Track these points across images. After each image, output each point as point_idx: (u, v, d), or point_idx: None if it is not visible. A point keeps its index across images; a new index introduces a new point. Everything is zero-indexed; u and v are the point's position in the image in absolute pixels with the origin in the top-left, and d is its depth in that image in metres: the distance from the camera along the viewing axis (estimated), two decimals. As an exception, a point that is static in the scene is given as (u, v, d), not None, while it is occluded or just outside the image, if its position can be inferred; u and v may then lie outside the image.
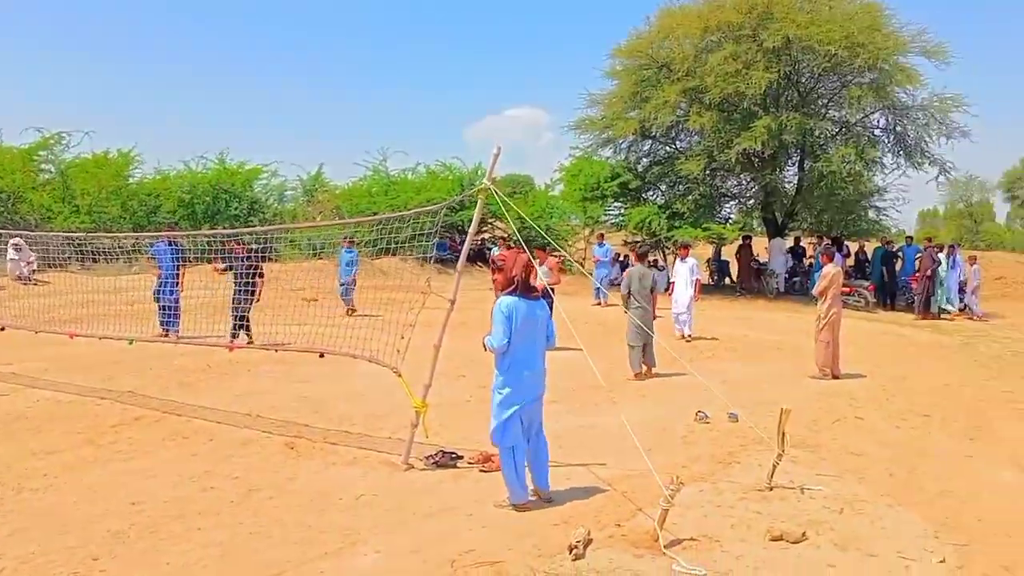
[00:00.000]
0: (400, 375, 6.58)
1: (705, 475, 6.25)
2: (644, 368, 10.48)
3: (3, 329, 10.86)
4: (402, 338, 6.62)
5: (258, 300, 11.79)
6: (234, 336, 11.63)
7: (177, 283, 12.33)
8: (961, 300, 19.25)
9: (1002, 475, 6.50)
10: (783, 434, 5.85)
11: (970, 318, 18.82)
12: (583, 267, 18.88)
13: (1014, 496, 5.95)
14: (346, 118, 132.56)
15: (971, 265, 19.22)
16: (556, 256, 15.67)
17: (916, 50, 21.32)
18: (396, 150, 56.40)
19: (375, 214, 22.26)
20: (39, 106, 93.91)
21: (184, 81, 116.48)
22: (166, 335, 11.77)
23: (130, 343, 9.55)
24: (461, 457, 6.40)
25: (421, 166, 30.02)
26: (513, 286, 5.34)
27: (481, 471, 6.16)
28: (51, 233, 17.82)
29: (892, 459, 6.89)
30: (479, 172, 27.85)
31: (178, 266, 12.34)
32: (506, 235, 22.47)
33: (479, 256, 26.77)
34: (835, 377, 10.61)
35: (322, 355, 7.82)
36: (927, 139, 22.63)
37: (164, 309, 12.04)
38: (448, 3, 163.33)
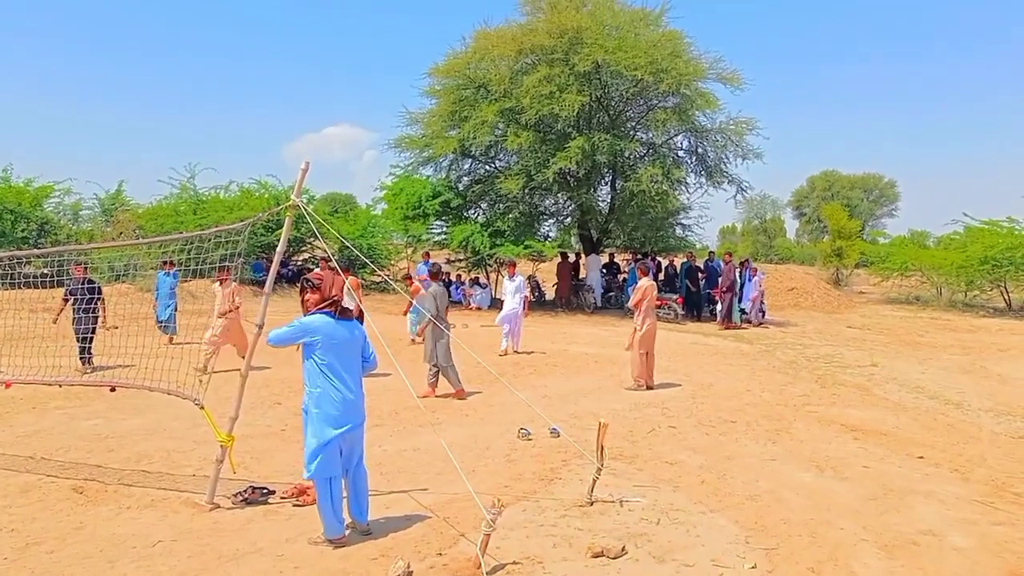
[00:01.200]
0: (203, 407, 6.10)
1: (528, 493, 6.24)
2: (430, 389, 10.31)
3: None
4: (204, 368, 6.16)
5: (104, 324, 11.50)
6: (84, 361, 11.21)
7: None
8: (745, 312, 20.71)
9: (802, 476, 6.92)
10: (602, 448, 5.94)
11: (756, 325, 20.29)
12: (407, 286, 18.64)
13: (814, 496, 6.34)
14: (154, 136, 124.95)
15: (758, 278, 20.75)
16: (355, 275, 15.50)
17: (713, 76, 22.88)
18: (205, 167, 53.77)
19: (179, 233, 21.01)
20: None
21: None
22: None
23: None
24: (273, 492, 6.01)
25: (234, 184, 28.65)
26: (326, 305, 5.08)
27: (295, 506, 5.83)
28: None
29: (703, 466, 7.18)
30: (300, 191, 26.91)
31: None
32: (327, 255, 21.87)
33: (299, 278, 25.83)
34: (649, 387, 11.02)
35: (113, 389, 7.15)
36: (725, 160, 24.30)
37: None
38: (264, 20, 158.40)
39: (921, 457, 7.75)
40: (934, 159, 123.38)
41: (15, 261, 9.39)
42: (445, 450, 6.01)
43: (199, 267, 7.36)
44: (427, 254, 20.43)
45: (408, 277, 11.12)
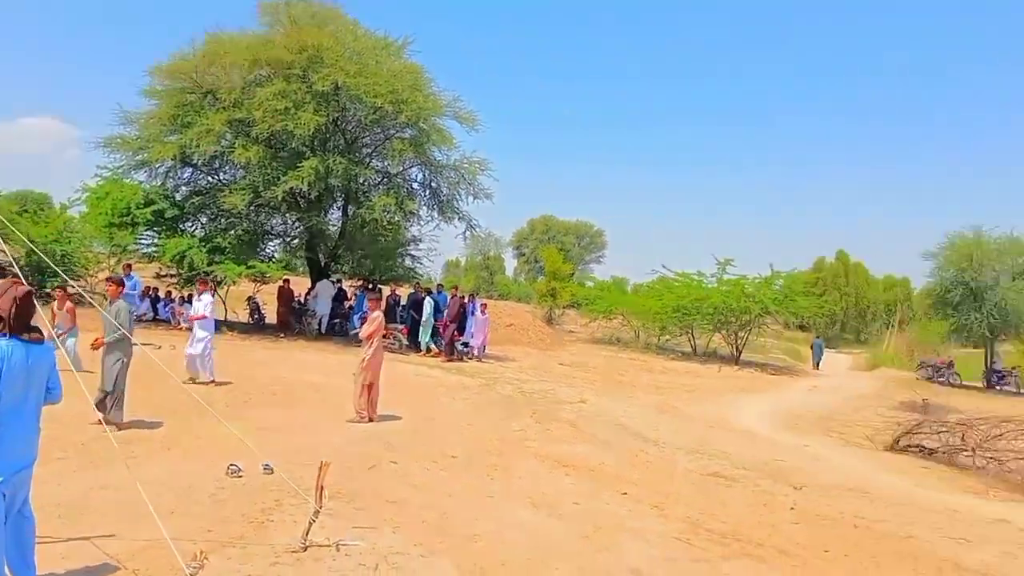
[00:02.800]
0: None
1: (235, 539, 5.66)
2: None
3: None
4: None
5: None
6: None
7: None
8: (468, 346, 21.23)
9: (520, 514, 7.00)
10: (321, 488, 5.55)
11: (478, 360, 20.85)
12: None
13: (532, 535, 6.41)
14: None
15: (482, 313, 21.41)
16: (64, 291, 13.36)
17: (451, 114, 23.40)
18: None
19: None
20: None
21: None
22: None
23: None
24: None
25: None
26: (1, 325, 4.20)
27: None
28: None
29: (424, 504, 7.02)
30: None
31: None
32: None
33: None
34: (371, 420, 10.72)
35: None
36: (458, 196, 24.82)
37: None
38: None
39: (625, 493, 8.20)
40: (636, 212, 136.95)
41: None
42: (139, 489, 5.26)
43: None
44: (128, 266, 18.43)
45: (110, 279, 9.64)
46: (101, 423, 7.97)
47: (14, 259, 21.82)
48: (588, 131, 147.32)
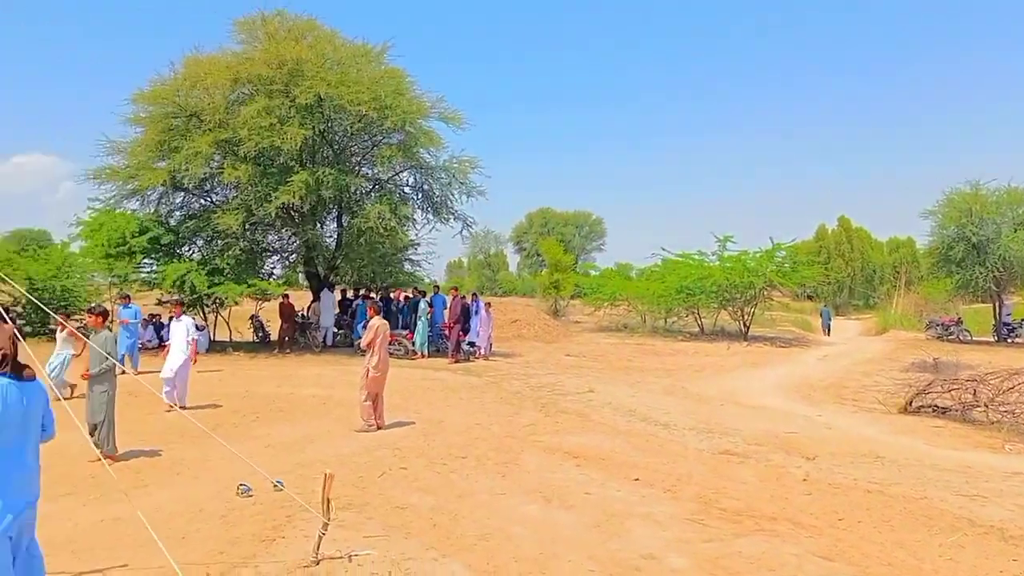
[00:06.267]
0: None
1: (246, 558, 5.65)
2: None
3: None
4: None
5: None
6: None
7: None
8: (474, 345, 21.26)
9: (530, 509, 6.97)
10: (328, 501, 5.53)
11: (484, 358, 20.86)
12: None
13: (542, 529, 6.38)
14: None
15: (486, 312, 21.40)
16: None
17: (436, 115, 23.38)
18: None
19: None
20: None
21: None
22: None
23: None
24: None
25: None
26: (3, 365, 4.16)
27: (-47, 607, 4.77)
28: None
29: (435, 507, 7.00)
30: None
31: None
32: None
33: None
34: (379, 428, 10.71)
35: None
36: (451, 196, 24.80)
37: None
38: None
39: (637, 479, 8.16)
40: (634, 197, 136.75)
41: None
42: (153, 515, 5.27)
43: None
44: (127, 296, 18.40)
45: (90, 309, 9.43)
46: (99, 459, 7.94)
47: (14, 299, 21.97)
48: (576, 114, 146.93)
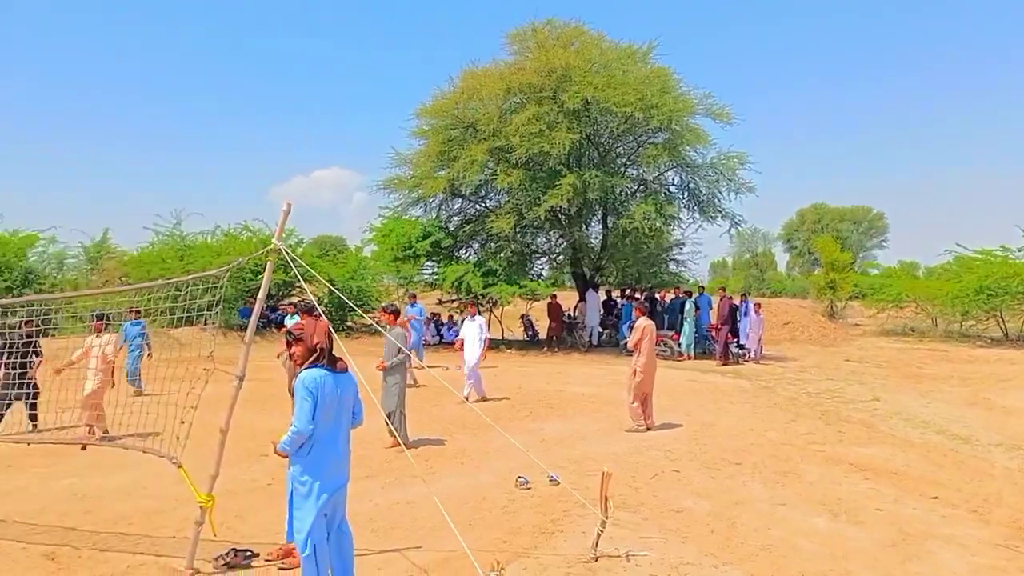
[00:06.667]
0: (180, 466, 5.71)
1: (528, 549, 5.85)
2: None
3: None
4: (182, 422, 5.77)
5: (32, 380, 10.48)
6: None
7: None
8: (743, 348, 20.45)
9: (815, 522, 6.56)
10: (605, 499, 5.57)
11: (755, 361, 19.99)
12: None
13: (830, 543, 5.98)
14: (143, 182, 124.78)
15: (756, 313, 20.52)
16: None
17: (703, 112, 22.84)
18: (192, 212, 53.43)
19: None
20: None
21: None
22: None
23: None
24: (256, 555, 5.60)
25: (219, 229, 28.36)
26: (315, 356, 4.69)
27: (281, 569, 5.41)
28: None
29: (711, 513, 6.82)
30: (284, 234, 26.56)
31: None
32: (296, 300, 21.57)
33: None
34: (649, 429, 10.66)
35: (84, 447, 6.75)
36: (718, 195, 24.09)
37: None
38: (252, 62, 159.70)
39: (936, 497, 7.40)
40: (920, 190, 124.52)
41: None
42: (442, 501, 5.63)
43: (185, 314, 6.99)
44: (413, 295, 20.08)
45: (384, 308, 10.39)
46: (396, 444, 8.63)
47: (318, 298, 24.71)
48: (853, 97, 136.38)
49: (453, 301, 25.64)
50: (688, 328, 20.94)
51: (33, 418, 10.63)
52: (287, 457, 4.62)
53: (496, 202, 25.51)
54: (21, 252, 25.18)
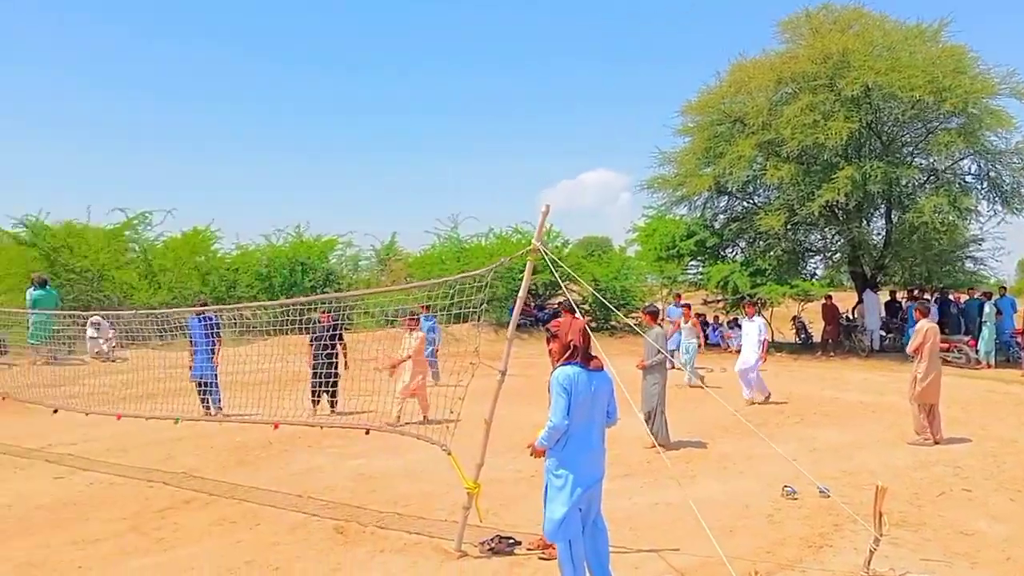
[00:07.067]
0: (450, 453, 6.13)
1: (793, 562, 5.57)
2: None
3: (56, 411, 10.72)
4: (451, 412, 6.19)
5: (346, 367, 12.15)
6: (315, 403, 11.93)
7: (211, 358, 11.86)
8: None
9: None
10: (880, 515, 5.14)
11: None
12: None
13: None
14: (426, 187, 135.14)
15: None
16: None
17: (1006, 91, 20.26)
18: (467, 216, 56.78)
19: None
20: (126, 187, 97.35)
21: (269, 157, 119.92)
22: (208, 413, 11.46)
23: (176, 422, 9.39)
24: (519, 543, 5.86)
25: (492, 232, 30.01)
26: (570, 353, 4.80)
27: (541, 559, 5.60)
28: (126, 311, 18.02)
29: (1009, 539, 6.06)
30: (549, 236, 27.58)
31: (212, 340, 11.90)
32: (562, 299, 22.12)
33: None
34: (936, 442, 9.68)
35: (368, 431, 7.46)
36: (1024, 184, 21.30)
37: (202, 386, 11.61)
38: (523, 75, 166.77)
39: None
40: None
41: (305, 307, 10.29)
42: (702, 505, 5.56)
43: (461, 311, 7.50)
44: (678, 296, 19.86)
45: (644, 309, 10.57)
46: (655, 445, 8.60)
47: (582, 298, 25.30)
48: None
49: (719, 301, 25.03)
50: (987, 333, 18.72)
51: (333, 404, 12.06)
52: (542, 456, 4.77)
53: (765, 198, 24.54)
54: (323, 255, 28.34)
